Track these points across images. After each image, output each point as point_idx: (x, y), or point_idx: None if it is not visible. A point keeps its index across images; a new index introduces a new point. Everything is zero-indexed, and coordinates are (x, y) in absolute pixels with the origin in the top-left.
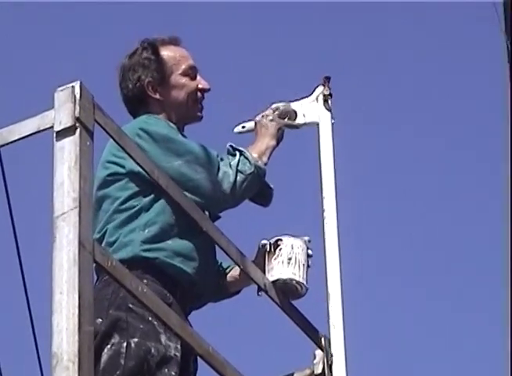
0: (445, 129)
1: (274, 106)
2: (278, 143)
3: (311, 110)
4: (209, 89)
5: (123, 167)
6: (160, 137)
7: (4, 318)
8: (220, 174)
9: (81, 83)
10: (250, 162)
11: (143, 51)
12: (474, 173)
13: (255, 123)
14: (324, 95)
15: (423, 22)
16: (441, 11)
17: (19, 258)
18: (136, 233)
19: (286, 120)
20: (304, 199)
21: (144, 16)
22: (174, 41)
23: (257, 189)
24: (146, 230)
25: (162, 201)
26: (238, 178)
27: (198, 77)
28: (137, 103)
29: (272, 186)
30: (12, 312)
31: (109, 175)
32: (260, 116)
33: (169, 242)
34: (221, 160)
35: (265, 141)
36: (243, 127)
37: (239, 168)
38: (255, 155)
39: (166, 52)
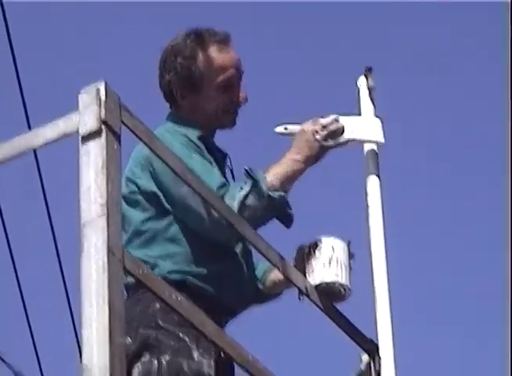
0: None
1: (325, 122)
2: (315, 162)
3: (360, 127)
4: (246, 101)
5: (138, 186)
6: None
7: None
8: (225, 198)
9: (106, 83)
10: (263, 195)
11: (183, 49)
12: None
13: (300, 130)
14: (368, 88)
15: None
16: None
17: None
18: (161, 260)
19: (331, 141)
20: (346, 198)
21: (174, 17)
22: (222, 41)
23: (270, 218)
24: (168, 261)
25: (180, 225)
26: (243, 213)
27: (240, 88)
28: (168, 100)
29: (291, 209)
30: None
31: (129, 193)
32: (309, 126)
33: (194, 268)
34: (227, 192)
35: (298, 162)
36: (286, 128)
37: (246, 202)
38: (276, 183)
39: (205, 58)
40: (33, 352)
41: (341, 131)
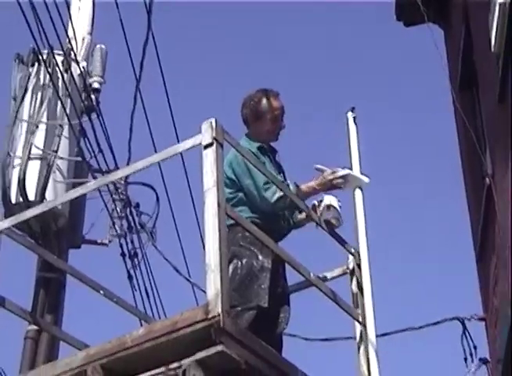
0: None
1: (337, 171)
2: (323, 191)
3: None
4: (284, 128)
5: (226, 175)
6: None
7: None
8: (266, 193)
9: (216, 119)
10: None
11: (255, 96)
12: None
13: (325, 172)
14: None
15: None
16: None
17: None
18: (240, 212)
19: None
20: None
21: None
22: (275, 94)
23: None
24: (243, 212)
25: (247, 196)
26: (278, 201)
27: (282, 120)
28: (245, 124)
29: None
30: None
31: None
32: (329, 171)
33: (256, 215)
34: (267, 188)
35: (315, 189)
36: (319, 168)
37: (276, 195)
38: (300, 193)
39: (266, 102)
40: None
41: (344, 179)
